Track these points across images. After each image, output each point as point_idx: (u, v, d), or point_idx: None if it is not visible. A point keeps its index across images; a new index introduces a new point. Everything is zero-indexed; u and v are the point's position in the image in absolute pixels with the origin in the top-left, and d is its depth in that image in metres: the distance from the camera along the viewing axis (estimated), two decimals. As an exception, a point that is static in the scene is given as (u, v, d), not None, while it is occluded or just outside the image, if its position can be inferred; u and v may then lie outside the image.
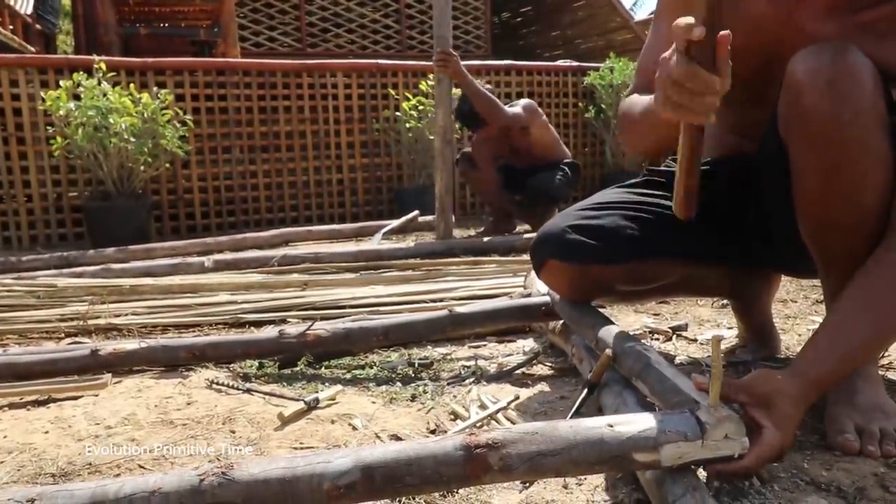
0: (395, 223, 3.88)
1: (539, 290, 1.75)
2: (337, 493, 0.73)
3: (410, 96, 4.79)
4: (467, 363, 1.58)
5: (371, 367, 1.57)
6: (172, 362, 1.55)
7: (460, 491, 0.96)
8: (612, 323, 1.23)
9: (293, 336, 1.52)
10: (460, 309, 1.63)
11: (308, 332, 1.52)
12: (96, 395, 1.40)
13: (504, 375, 1.47)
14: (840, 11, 1.06)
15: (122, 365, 1.52)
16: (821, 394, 0.97)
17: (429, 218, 3.73)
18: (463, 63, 5.31)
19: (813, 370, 0.94)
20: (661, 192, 1.31)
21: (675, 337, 1.74)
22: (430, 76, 4.28)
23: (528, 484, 0.97)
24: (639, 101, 1.21)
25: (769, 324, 1.53)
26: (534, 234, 1.52)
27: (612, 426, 0.80)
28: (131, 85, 3.90)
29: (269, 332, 1.64)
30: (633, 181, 1.40)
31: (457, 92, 3.57)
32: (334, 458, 0.75)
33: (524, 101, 3.77)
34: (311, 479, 0.73)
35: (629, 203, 1.31)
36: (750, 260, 1.36)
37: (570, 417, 1.11)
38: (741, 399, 0.91)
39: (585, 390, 1.15)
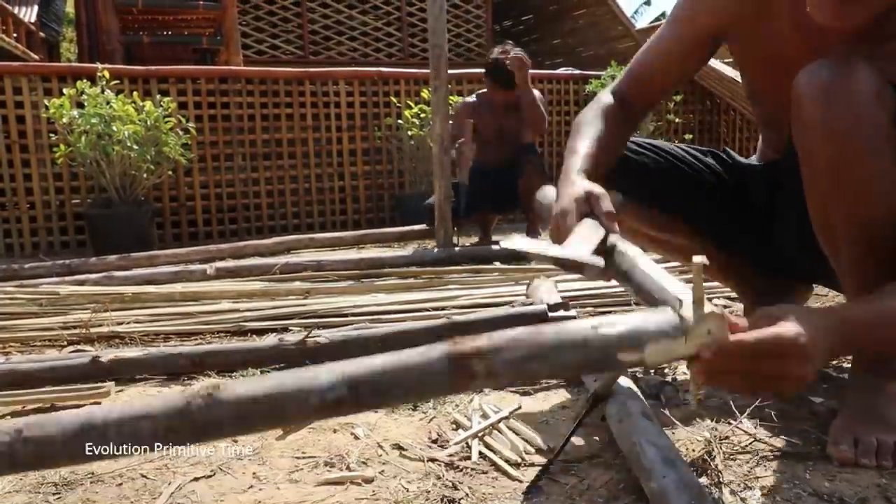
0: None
1: (541, 299, 1.75)
2: (324, 406, 0.74)
3: (412, 104, 4.81)
4: (469, 372, 1.58)
5: (373, 376, 1.57)
6: (171, 370, 1.55)
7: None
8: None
9: (292, 344, 1.52)
10: (458, 317, 1.63)
11: (306, 339, 1.52)
12: (98, 404, 1.40)
13: (506, 384, 1.47)
14: (868, 41, 1.05)
15: (122, 373, 1.52)
16: (842, 341, 0.84)
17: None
18: (464, 71, 5.36)
19: (839, 310, 0.89)
20: (720, 167, 1.39)
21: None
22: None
23: (531, 495, 0.96)
24: (585, 136, 1.18)
25: None
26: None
27: (595, 328, 0.79)
28: (134, 93, 3.91)
29: (269, 340, 1.64)
30: (702, 148, 1.44)
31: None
32: (321, 374, 0.76)
33: (536, 92, 3.76)
34: (298, 394, 0.74)
35: (689, 158, 1.37)
36: (773, 263, 1.39)
37: (574, 429, 1.11)
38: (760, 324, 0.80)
39: (590, 401, 1.15)
